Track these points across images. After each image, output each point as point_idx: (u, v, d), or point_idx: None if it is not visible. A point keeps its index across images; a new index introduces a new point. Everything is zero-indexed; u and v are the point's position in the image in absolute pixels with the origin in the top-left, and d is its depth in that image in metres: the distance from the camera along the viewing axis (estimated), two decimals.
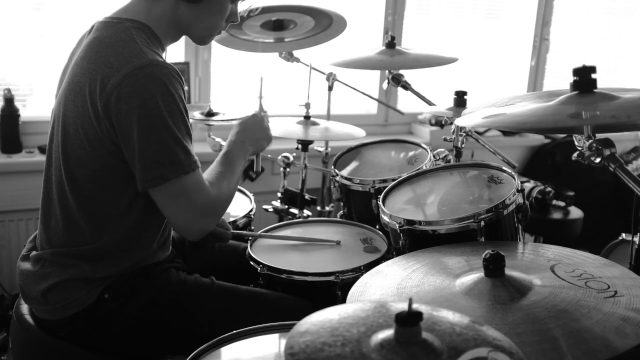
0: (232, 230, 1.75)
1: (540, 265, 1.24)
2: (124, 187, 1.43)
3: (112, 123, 1.35)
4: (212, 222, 1.47)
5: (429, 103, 2.15)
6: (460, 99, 1.91)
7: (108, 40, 1.40)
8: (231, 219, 1.96)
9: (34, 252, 1.52)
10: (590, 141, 1.25)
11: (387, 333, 0.75)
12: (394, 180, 1.78)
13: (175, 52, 2.88)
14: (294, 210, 2.33)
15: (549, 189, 3.17)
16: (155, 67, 1.34)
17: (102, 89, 1.34)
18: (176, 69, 1.39)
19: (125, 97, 1.32)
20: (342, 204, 2.10)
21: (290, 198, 2.34)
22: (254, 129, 1.66)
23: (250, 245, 1.77)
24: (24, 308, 1.56)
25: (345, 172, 2.08)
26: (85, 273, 1.44)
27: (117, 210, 1.45)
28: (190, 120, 2.16)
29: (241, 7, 1.60)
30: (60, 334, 1.47)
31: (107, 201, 1.44)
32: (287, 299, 1.60)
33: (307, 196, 2.33)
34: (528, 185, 3.20)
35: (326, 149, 2.60)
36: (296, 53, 2.46)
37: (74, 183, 1.44)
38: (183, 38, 1.58)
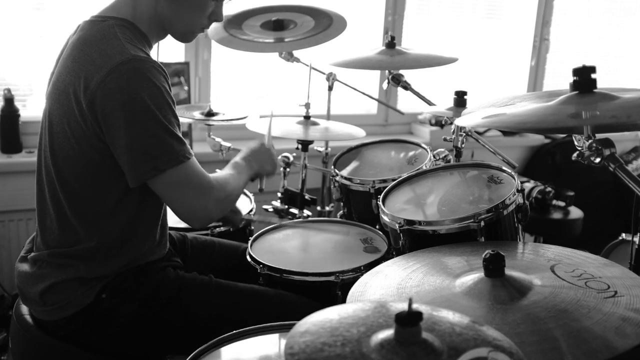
0: (246, 216, 1.74)
1: (540, 265, 1.24)
2: (111, 184, 1.43)
3: (98, 120, 1.35)
4: (215, 210, 1.48)
5: (429, 103, 2.15)
6: (460, 99, 1.91)
7: (91, 38, 1.40)
8: None
9: (31, 254, 1.52)
10: (590, 141, 1.25)
11: (387, 333, 0.75)
12: (394, 180, 1.78)
13: (175, 52, 2.88)
14: (294, 210, 2.33)
15: (549, 189, 3.17)
16: (138, 61, 1.35)
17: (85, 86, 1.34)
18: (159, 63, 1.39)
19: (109, 94, 1.32)
20: (342, 204, 2.10)
21: (290, 198, 2.34)
22: (260, 153, 1.72)
23: (251, 245, 1.77)
24: (24, 308, 1.55)
25: (345, 172, 2.08)
26: (81, 273, 1.44)
27: (106, 208, 1.45)
28: (190, 120, 2.19)
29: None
30: (59, 334, 1.47)
31: (95, 199, 1.44)
32: (287, 295, 1.60)
33: (307, 196, 2.33)
34: (528, 185, 3.20)
35: (326, 149, 2.60)
36: (296, 53, 2.45)
37: (63, 181, 1.44)
38: None
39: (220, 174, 1.55)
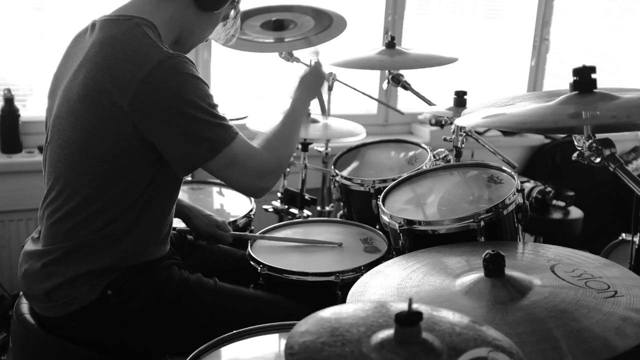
0: (233, 232, 1.76)
1: (540, 265, 1.24)
2: (129, 183, 1.44)
3: (141, 118, 1.37)
4: (271, 181, 1.53)
5: (429, 103, 2.15)
6: (460, 99, 1.91)
7: (122, 37, 1.41)
8: (231, 219, 1.96)
9: (36, 248, 1.52)
10: (590, 141, 1.25)
11: (387, 333, 0.75)
12: (394, 180, 1.78)
13: None
14: (294, 210, 2.33)
15: (549, 189, 3.17)
16: (175, 58, 1.38)
17: (127, 85, 1.35)
18: (189, 57, 1.43)
19: (155, 91, 1.35)
20: (342, 204, 2.10)
21: (290, 198, 2.35)
22: (312, 79, 1.77)
23: (251, 246, 1.77)
24: (24, 307, 1.55)
25: (345, 172, 2.08)
26: (89, 266, 1.44)
27: (121, 206, 1.45)
28: None
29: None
30: (60, 331, 1.47)
31: (113, 196, 1.44)
32: (289, 302, 1.60)
33: (307, 196, 2.33)
34: (528, 185, 3.20)
35: (326, 149, 2.60)
36: (296, 53, 2.46)
37: (79, 178, 1.44)
38: None
39: (271, 137, 1.57)
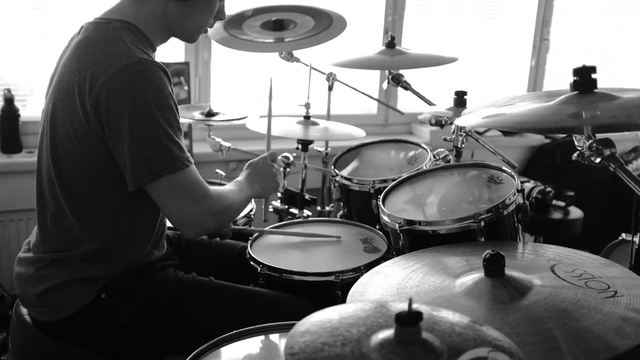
0: (233, 227, 1.75)
1: (540, 265, 1.24)
2: (114, 186, 1.42)
3: (101, 121, 1.35)
4: (210, 221, 1.46)
5: (429, 103, 2.15)
6: (460, 99, 1.91)
7: (96, 39, 1.40)
8: None
9: (29, 254, 1.52)
10: (590, 141, 1.25)
11: (387, 333, 0.75)
12: (394, 180, 1.78)
13: (175, 52, 2.88)
14: (294, 210, 2.33)
15: (549, 189, 3.17)
16: (144, 64, 1.34)
17: (91, 87, 1.34)
18: (164, 66, 1.39)
19: (114, 95, 1.32)
20: (342, 204, 2.10)
21: (290, 198, 2.34)
22: (263, 173, 1.68)
23: (250, 245, 1.76)
24: (24, 308, 1.55)
25: (345, 172, 2.08)
26: (82, 273, 1.44)
27: (109, 210, 1.45)
28: (190, 120, 2.20)
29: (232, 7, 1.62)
30: (58, 334, 1.47)
31: (96, 201, 1.44)
32: (286, 297, 1.60)
33: (307, 196, 2.33)
34: (528, 185, 3.21)
35: (326, 149, 2.60)
36: (296, 53, 2.45)
37: (64, 183, 1.44)
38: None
39: (220, 187, 1.56)
